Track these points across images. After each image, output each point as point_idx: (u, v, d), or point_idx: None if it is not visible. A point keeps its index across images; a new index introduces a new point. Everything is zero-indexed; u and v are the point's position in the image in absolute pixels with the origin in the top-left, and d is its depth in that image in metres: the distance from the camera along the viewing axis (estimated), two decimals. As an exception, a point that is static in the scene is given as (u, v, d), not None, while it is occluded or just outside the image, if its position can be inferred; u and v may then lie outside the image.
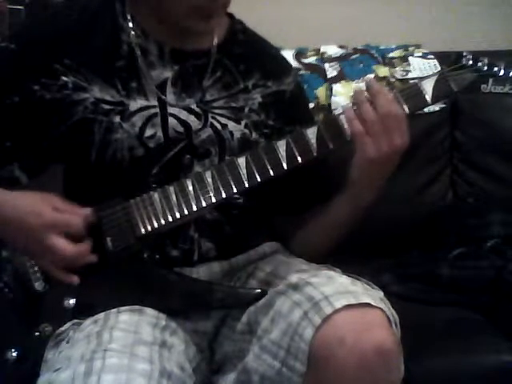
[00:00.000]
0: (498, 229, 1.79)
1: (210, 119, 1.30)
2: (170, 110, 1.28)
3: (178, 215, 1.20)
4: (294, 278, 1.16)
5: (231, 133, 1.31)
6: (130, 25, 1.29)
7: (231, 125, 1.32)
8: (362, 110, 1.20)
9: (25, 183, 1.29)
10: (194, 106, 1.30)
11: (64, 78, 1.25)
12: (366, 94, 1.22)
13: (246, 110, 1.33)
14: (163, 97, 1.28)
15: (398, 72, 2.06)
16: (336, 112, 1.95)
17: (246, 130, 1.33)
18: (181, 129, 1.28)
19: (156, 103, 1.27)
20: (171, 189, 1.21)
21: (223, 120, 1.31)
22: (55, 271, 1.20)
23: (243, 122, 1.33)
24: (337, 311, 1.04)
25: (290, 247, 1.41)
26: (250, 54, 1.37)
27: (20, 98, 1.26)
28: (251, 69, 1.35)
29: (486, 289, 1.67)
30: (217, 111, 1.31)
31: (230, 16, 1.39)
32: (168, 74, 1.29)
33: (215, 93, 1.32)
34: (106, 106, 1.26)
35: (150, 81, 1.28)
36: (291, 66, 1.51)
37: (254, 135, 1.34)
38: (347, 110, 1.23)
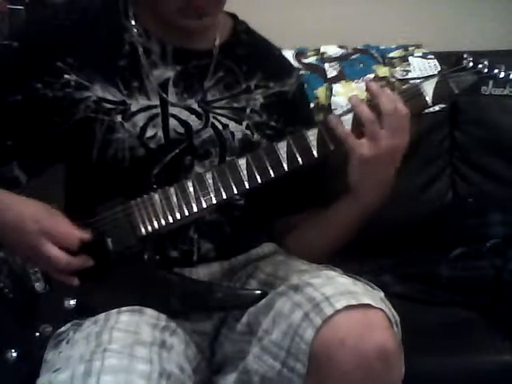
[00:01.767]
0: (498, 229, 1.79)
1: (211, 119, 1.30)
2: (171, 110, 1.28)
3: (178, 216, 1.21)
4: (294, 278, 1.16)
5: (232, 133, 1.32)
6: (133, 24, 1.29)
7: (232, 125, 1.32)
8: (358, 111, 1.20)
9: (24, 183, 1.29)
10: (195, 106, 1.30)
11: (67, 76, 1.26)
12: (360, 97, 1.21)
13: (248, 110, 1.34)
14: (164, 96, 1.28)
15: (398, 72, 2.06)
16: (336, 112, 1.95)
17: (248, 131, 1.33)
18: (181, 129, 1.29)
19: (158, 103, 1.28)
20: (172, 190, 1.21)
21: (224, 120, 1.31)
22: (54, 273, 1.21)
23: (245, 123, 1.33)
24: (337, 312, 1.04)
25: (288, 249, 1.40)
26: (253, 55, 1.37)
27: (22, 96, 1.26)
28: (253, 69, 1.35)
29: (485, 289, 1.67)
30: (218, 111, 1.31)
31: (233, 16, 1.40)
32: (170, 73, 1.29)
33: (217, 93, 1.32)
34: (108, 105, 1.26)
35: (151, 80, 1.28)
36: (294, 67, 1.52)
37: (256, 136, 1.34)
38: (332, 117, 1.22)
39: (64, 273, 1.19)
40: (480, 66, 1.24)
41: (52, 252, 1.17)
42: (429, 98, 1.23)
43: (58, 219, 1.20)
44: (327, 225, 1.34)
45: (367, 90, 1.22)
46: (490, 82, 1.24)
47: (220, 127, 1.31)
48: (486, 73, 1.24)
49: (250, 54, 1.36)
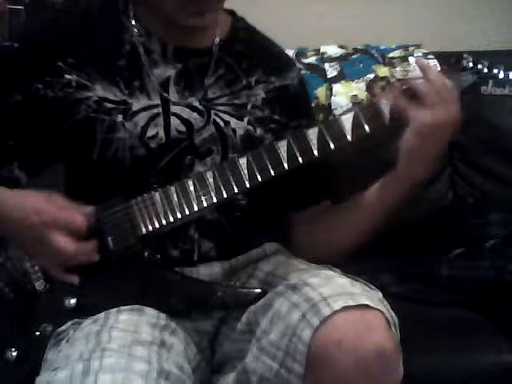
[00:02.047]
0: (498, 229, 1.80)
1: (213, 116, 1.30)
2: (173, 108, 1.28)
3: (179, 215, 1.21)
4: (292, 278, 1.16)
5: (234, 130, 1.32)
6: (133, 23, 1.29)
7: (234, 122, 1.32)
8: (416, 83, 1.22)
9: (25, 183, 1.29)
10: (196, 104, 1.30)
11: (67, 76, 1.26)
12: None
13: (249, 106, 1.34)
14: (165, 94, 1.28)
15: (398, 72, 2.06)
16: (336, 112, 1.96)
17: (250, 127, 1.33)
18: (183, 128, 1.28)
19: (159, 102, 1.28)
20: (172, 189, 1.21)
21: (226, 117, 1.31)
22: (55, 270, 1.20)
23: (246, 119, 1.33)
24: (335, 313, 1.03)
25: (306, 246, 1.39)
26: (252, 51, 1.37)
27: (23, 96, 1.26)
28: (253, 66, 1.35)
29: (485, 289, 1.67)
30: (219, 108, 1.31)
31: (232, 13, 1.40)
32: (171, 72, 1.29)
33: (218, 90, 1.32)
34: (109, 105, 1.26)
35: (152, 79, 1.28)
36: (293, 61, 1.52)
37: (259, 131, 1.34)
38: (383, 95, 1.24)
39: (72, 263, 1.19)
40: (480, 65, 1.24)
41: (60, 241, 1.16)
42: None
43: (59, 206, 1.19)
44: (360, 214, 1.33)
45: (418, 66, 1.26)
46: (490, 82, 1.24)
47: (222, 124, 1.31)
48: (486, 73, 1.24)
49: (250, 50, 1.37)
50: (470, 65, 1.25)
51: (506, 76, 1.24)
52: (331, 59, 2.09)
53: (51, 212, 1.18)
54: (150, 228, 1.21)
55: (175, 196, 1.21)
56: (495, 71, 1.24)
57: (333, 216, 1.38)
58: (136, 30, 1.29)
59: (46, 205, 1.18)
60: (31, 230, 1.17)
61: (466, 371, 1.50)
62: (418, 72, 2.04)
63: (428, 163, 1.26)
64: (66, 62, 1.26)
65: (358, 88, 2.02)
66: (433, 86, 1.21)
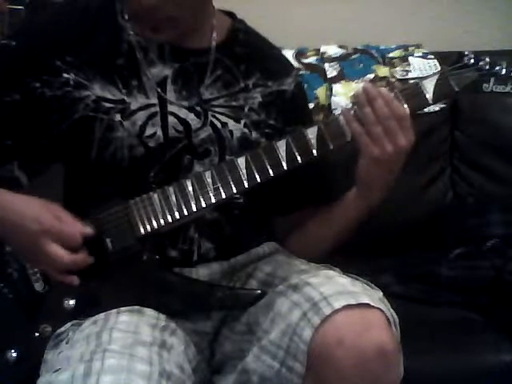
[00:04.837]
0: (498, 229, 1.80)
1: (210, 118, 1.30)
2: (170, 108, 1.28)
3: (177, 216, 1.20)
4: (293, 278, 1.16)
5: (231, 132, 1.31)
6: (130, 23, 1.29)
7: (231, 124, 1.31)
8: (361, 113, 1.20)
9: (25, 183, 1.29)
10: (193, 105, 1.29)
11: (65, 75, 1.25)
12: (365, 96, 1.21)
13: (246, 109, 1.33)
14: (163, 94, 1.28)
15: (398, 72, 2.06)
16: (336, 112, 1.96)
17: (246, 130, 1.33)
18: (180, 127, 1.28)
19: (156, 101, 1.27)
20: (171, 189, 1.21)
21: (223, 118, 1.31)
22: (53, 273, 1.20)
23: (243, 121, 1.33)
24: (336, 312, 1.04)
25: (290, 246, 1.41)
26: (251, 54, 1.36)
27: (21, 95, 1.26)
28: (251, 68, 1.35)
29: (485, 289, 1.67)
30: (217, 110, 1.31)
31: (231, 15, 1.40)
32: (168, 71, 1.29)
33: (215, 91, 1.31)
34: (107, 104, 1.25)
35: (150, 78, 1.27)
36: (292, 65, 1.51)
37: (255, 135, 1.33)
38: (345, 112, 1.23)
39: (66, 272, 1.19)
40: (481, 63, 1.24)
41: (56, 251, 1.16)
42: (429, 96, 1.23)
43: (59, 217, 1.19)
44: (332, 221, 1.35)
45: (364, 93, 1.22)
46: (492, 79, 1.23)
47: (219, 125, 1.30)
48: (488, 70, 1.24)
49: (248, 52, 1.36)
50: (472, 62, 1.24)
51: (508, 73, 1.23)
52: (331, 59, 2.09)
53: (50, 222, 1.17)
54: (149, 228, 1.20)
55: (173, 196, 1.21)
56: (497, 68, 1.23)
57: (310, 219, 1.39)
58: (132, 31, 1.29)
59: (44, 213, 1.18)
60: (29, 236, 1.17)
61: (466, 371, 1.50)
62: (418, 72, 2.06)
63: (382, 188, 1.26)
64: (64, 60, 1.26)
65: (357, 88, 2.02)
66: (378, 118, 1.19)
